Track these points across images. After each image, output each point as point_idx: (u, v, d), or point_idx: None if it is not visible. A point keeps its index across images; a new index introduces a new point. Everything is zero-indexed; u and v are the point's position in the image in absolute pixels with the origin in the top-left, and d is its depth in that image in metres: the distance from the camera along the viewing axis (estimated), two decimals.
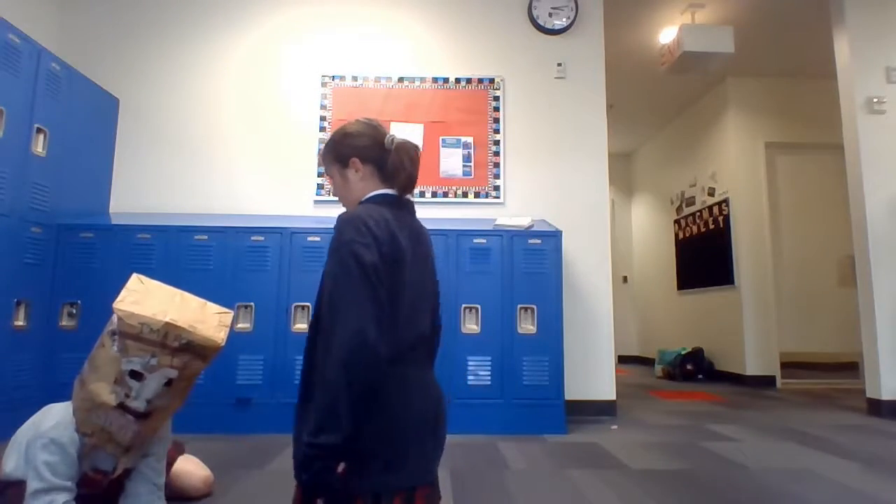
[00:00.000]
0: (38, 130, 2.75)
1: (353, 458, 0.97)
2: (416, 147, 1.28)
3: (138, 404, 1.34)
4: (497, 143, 3.53)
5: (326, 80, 3.56)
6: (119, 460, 1.41)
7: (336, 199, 1.31)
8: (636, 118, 6.41)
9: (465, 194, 3.48)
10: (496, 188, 3.49)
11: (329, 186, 3.46)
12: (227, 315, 1.48)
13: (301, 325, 2.85)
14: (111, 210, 3.37)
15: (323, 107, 3.53)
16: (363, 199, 1.22)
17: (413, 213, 1.26)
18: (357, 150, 1.26)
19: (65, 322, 2.78)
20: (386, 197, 1.21)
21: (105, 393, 1.33)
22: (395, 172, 1.23)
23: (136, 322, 1.33)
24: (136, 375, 1.33)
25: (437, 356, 1.30)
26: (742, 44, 4.28)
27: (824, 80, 4.91)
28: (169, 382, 1.35)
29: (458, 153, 3.52)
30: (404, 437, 1.04)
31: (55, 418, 1.37)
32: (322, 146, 1.40)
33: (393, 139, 1.26)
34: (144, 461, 1.48)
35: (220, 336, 1.40)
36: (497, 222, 3.08)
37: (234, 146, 3.49)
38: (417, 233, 1.21)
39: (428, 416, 1.09)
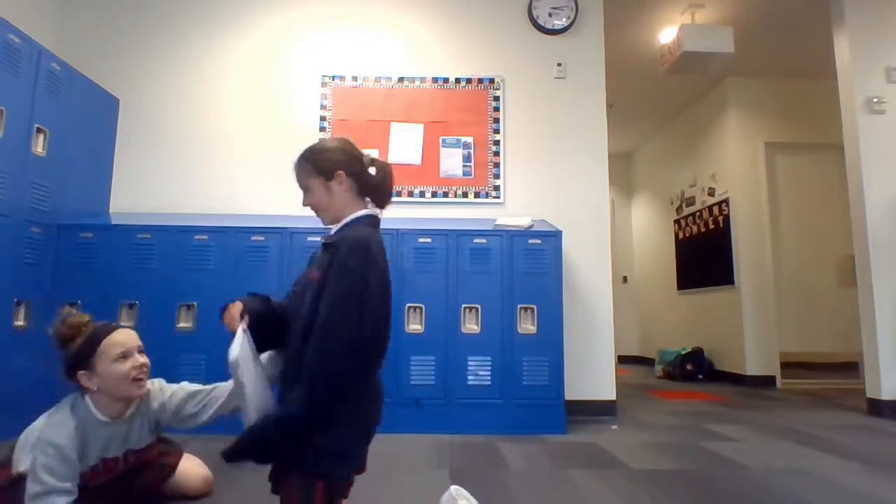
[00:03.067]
0: (38, 130, 2.75)
1: (325, 447, 1.09)
2: (392, 168, 1.37)
3: None
4: (497, 143, 3.53)
5: (326, 80, 3.56)
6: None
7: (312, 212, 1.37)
8: (636, 118, 6.41)
9: (465, 194, 3.48)
10: (496, 188, 3.49)
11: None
12: None
13: None
14: (111, 210, 3.37)
15: (323, 107, 3.53)
16: (351, 217, 1.28)
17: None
18: (341, 163, 1.31)
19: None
20: (374, 220, 1.30)
21: None
22: (385, 192, 1.32)
23: None
24: None
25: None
26: (742, 44, 4.28)
27: (824, 80, 4.91)
28: None
29: (458, 153, 3.52)
30: (368, 434, 1.19)
31: (51, 420, 1.36)
32: (296, 161, 1.41)
33: (372, 159, 1.35)
34: (184, 410, 1.55)
35: None
36: (497, 222, 3.08)
37: (234, 146, 3.49)
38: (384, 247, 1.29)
39: (378, 414, 1.22)
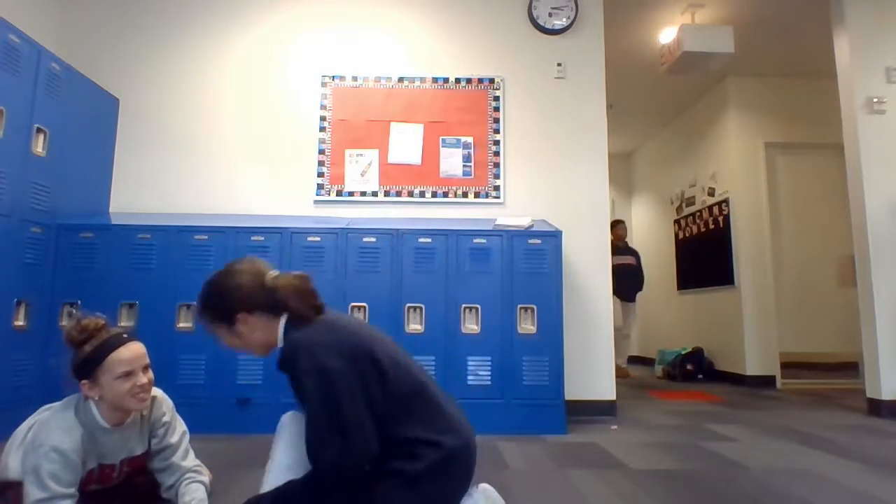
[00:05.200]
0: (38, 130, 2.75)
1: None
2: (302, 277, 1.25)
3: None
4: (497, 143, 3.53)
5: (326, 80, 3.56)
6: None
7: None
8: (636, 118, 6.41)
9: (465, 194, 3.48)
10: (496, 188, 3.49)
11: (329, 186, 3.46)
12: None
13: None
14: (111, 210, 3.37)
15: (323, 107, 3.53)
16: (280, 337, 1.22)
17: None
18: (239, 304, 1.21)
19: (65, 322, 2.78)
20: (298, 320, 1.21)
21: None
22: (301, 305, 1.22)
23: None
24: None
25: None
26: (742, 44, 4.28)
27: (824, 80, 4.91)
28: None
29: (458, 153, 3.52)
30: None
31: (56, 424, 1.36)
32: (196, 303, 1.28)
33: (276, 277, 1.24)
34: (161, 455, 1.53)
35: None
36: (497, 222, 3.08)
37: (234, 146, 3.49)
38: (355, 320, 1.29)
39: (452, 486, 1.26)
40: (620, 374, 5.34)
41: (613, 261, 5.32)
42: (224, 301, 1.21)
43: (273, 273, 1.26)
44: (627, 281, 5.54)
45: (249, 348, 1.25)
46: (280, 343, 1.22)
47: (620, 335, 5.30)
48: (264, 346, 1.25)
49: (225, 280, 1.24)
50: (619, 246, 5.56)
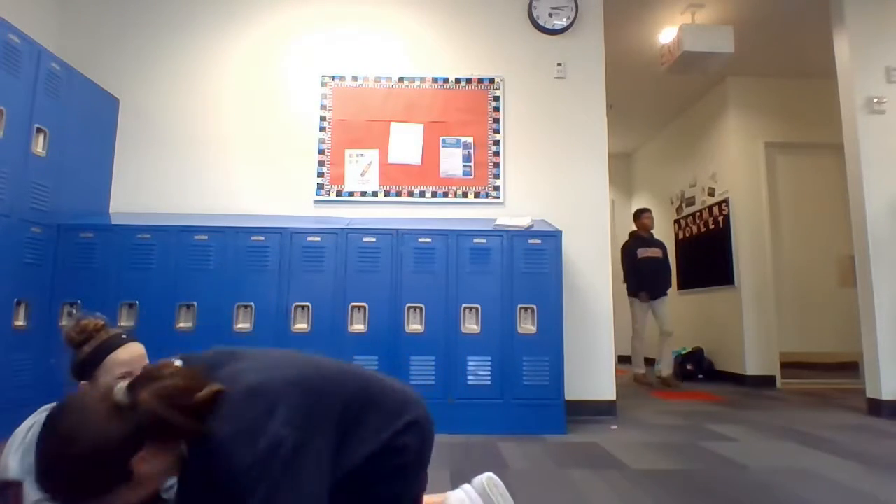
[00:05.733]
0: (38, 130, 2.75)
1: None
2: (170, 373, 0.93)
3: None
4: (497, 143, 3.53)
5: (326, 80, 3.56)
6: None
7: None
8: (636, 118, 6.41)
9: (465, 194, 3.48)
10: (496, 188, 3.49)
11: (329, 186, 3.46)
12: None
13: (301, 326, 2.85)
14: (111, 210, 3.37)
15: (323, 107, 3.53)
16: (173, 467, 0.91)
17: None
18: (103, 477, 0.83)
19: (65, 322, 2.78)
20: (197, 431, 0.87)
21: None
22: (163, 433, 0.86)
23: None
24: None
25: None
26: (742, 44, 4.28)
27: (824, 80, 4.91)
28: None
29: (458, 153, 3.51)
30: None
31: None
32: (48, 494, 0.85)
33: (125, 391, 0.87)
34: None
35: None
36: (497, 222, 3.08)
37: (234, 146, 3.49)
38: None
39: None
40: (644, 381, 5.02)
41: (639, 253, 5.03)
42: (92, 465, 0.81)
43: (121, 385, 0.89)
44: (656, 275, 5.02)
45: (161, 482, 0.93)
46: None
47: (639, 339, 5.06)
48: (174, 468, 0.92)
49: (71, 444, 0.82)
50: (645, 237, 5.16)
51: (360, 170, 3.47)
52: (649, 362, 6.65)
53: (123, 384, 0.88)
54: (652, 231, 5.26)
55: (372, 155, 3.49)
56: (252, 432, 0.85)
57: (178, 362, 1.00)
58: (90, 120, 3.20)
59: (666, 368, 5.01)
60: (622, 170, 7.66)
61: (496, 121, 3.55)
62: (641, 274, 4.99)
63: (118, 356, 1.38)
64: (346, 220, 3.19)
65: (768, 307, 4.97)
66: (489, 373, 2.85)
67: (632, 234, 5.25)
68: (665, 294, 5.03)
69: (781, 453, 2.44)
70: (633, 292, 5.02)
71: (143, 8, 3.59)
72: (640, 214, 5.22)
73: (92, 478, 0.81)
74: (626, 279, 5.13)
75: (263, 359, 1.02)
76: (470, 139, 3.53)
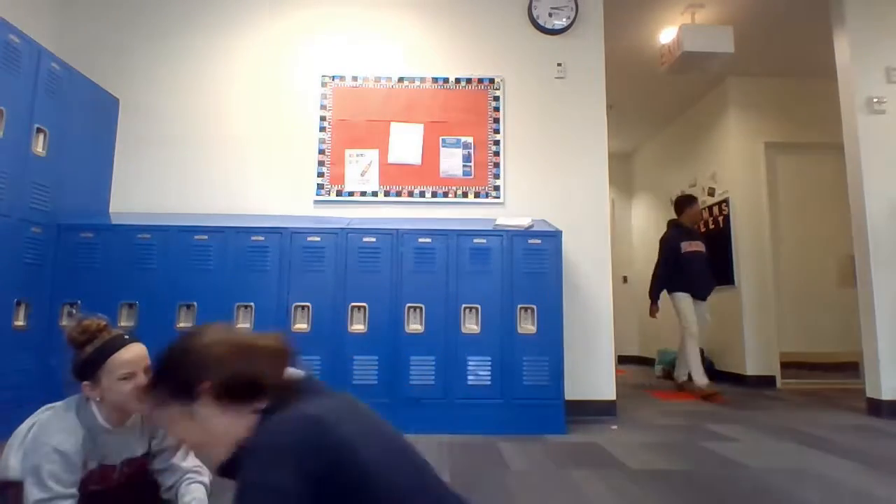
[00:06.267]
0: (38, 130, 2.75)
1: None
2: (278, 337, 0.93)
3: None
4: (497, 143, 3.53)
5: (326, 80, 3.56)
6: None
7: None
8: (636, 118, 6.41)
9: (465, 194, 3.48)
10: (496, 188, 3.49)
11: (329, 186, 3.46)
12: None
13: (301, 326, 2.85)
14: (111, 210, 3.37)
15: (323, 107, 3.53)
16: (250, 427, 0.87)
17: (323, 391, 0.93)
18: (206, 368, 0.89)
19: (65, 322, 2.78)
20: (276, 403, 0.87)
21: None
22: (257, 387, 0.88)
23: None
24: None
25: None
26: (742, 44, 4.27)
27: (824, 80, 4.90)
28: None
29: (458, 153, 3.52)
30: None
31: (58, 425, 1.36)
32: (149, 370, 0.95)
33: (255, 337, 0.93)
34: (161, 456, 1.52)
35: None
36: (497, 222, 3.08)
37: (234, 146, 3.49)
38: (347, 399, 0.93)
39: None
40: (705, 396, 4.07)
41: (683, 247, 4.31)
42: (186, 365, 0.89)
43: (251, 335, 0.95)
44: (702, 273, 4.35)
45: (206, 443, 0.92)
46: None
47: (694, 340, 4.26)
48: (228, 438, 0.89)
49: (191, 339, 0.93)
50: (690, 229, 4.50)
51: (360, 170, 3.47)
52: (648, 362, 6.66)
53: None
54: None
55: (372, 155, 3.49)
56: (269, 461, 0.78)
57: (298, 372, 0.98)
58: (90, 120, 3.20)
59: (686, 372, 4.35)
60: (622, 170, 7.66)
61: (496, 121, 3.55)
62: (686, 271, 4.31)
63: (121, 356, 1.38)
64: (346, 220, 3.19)
65: (768, 307, 4.97)
66: (489, 373, 2.85)
67: (673, 224, 4.55)
68: (706, 297, 4.40)
69: (781, 453, 2.44)
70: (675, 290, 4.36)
71: (142, 8, 3.59)
72: (690, 203, 4.51)
73: (173, 370, 0.89)
74: (663, 277, 4.42)
75: (352, 411, 0.91)
76: (470, 139, 3.53)
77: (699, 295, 4.35)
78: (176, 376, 0.90)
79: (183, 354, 0.90)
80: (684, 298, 4.29)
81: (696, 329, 4.24)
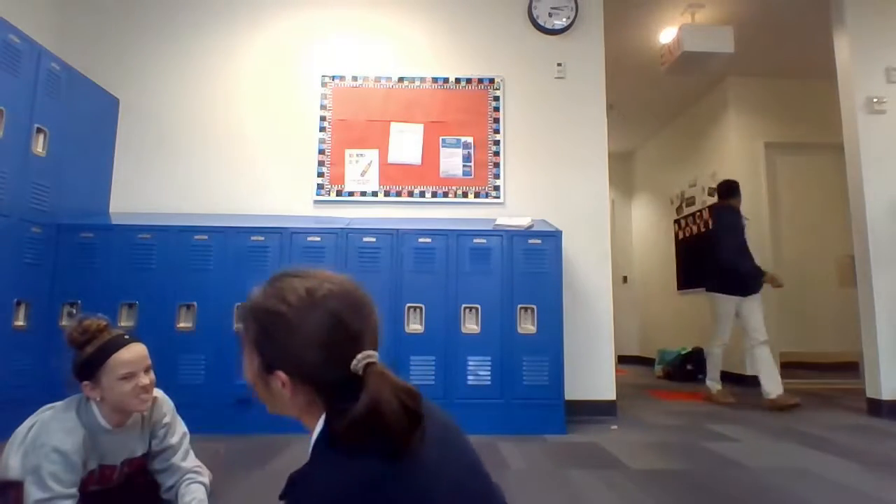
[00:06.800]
0: (38, 130, 2.75)
1: None
2: (410, 392, 0.76)
3: None
4: (497, 143, 3.53)
5: (326, 80, 3.56)
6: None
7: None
8: (636, 118, 6.41)
9: (465, 194, 3.48)
10: (496, 188, 3.49)
11: (329, 186, 3.46)
12: None
13: None
14: (111, 210, 3.37)
15: (323, 107, 3.53)
16: (317, 435, 0.77)
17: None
18: (286, 360, 0.80)
19: (65, 322, 2.77)
20: (368, 451, 0.69)
21: None
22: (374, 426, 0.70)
23: None
24: None
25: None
26: (742, 44, 4.28)
27: (824, 80, 4.90)
28: None
29: (458, 153, 3.52)
30: None
31: (58, 425, 1.36)
32: (242, 308, 0.89)
33: (365, 359, 0.77)
34: (161, 456, 1.52)
35: None
36: (497, 222, 3.08)
37: (234, 146, 3.49)
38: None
39: None
40: (779, 405, 3.58)
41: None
42: (277, 337, 0.80)
43: (365, 353, 0.80)
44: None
45: (276, 405, 0.86)
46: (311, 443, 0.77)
47: (722, 346, 3.99)
48: (302, 413, 0.82)
49: (290, 307, 0.81)
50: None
51: (360, 170, 3.47)
52: (648, 362, 6.66)
53: (365, 353, 0.79)
54: None
55: (372, 155, 3.49)
56: (321, 494, 0.67)
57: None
58: (90, 120, 3.20)
59: (774, 385, 3.68)
60: (622, 170, 7.66)
61: (496, 121, 3.55)
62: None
63: (121, 356, 1.39)
64: (346, 220, 3.19)
65: (768, 307, 4.96)
66: (489, 373, 2.85)
67: (730, 208, 4.02)
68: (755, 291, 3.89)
69: (781, 453, 2.44)
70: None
71: (143, 9, 3.59)
72: (733, 191, 4.05)
73: (268, 325, 0.81)
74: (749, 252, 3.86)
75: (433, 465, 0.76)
76: (470, 139, 3.53)
77: (750, 288, 3.85)
78: (258, 328, 0.84)
79: (268, 320, 0.83)
80: (727, 300, 3.88)
81: (725, 332, 3.89)
